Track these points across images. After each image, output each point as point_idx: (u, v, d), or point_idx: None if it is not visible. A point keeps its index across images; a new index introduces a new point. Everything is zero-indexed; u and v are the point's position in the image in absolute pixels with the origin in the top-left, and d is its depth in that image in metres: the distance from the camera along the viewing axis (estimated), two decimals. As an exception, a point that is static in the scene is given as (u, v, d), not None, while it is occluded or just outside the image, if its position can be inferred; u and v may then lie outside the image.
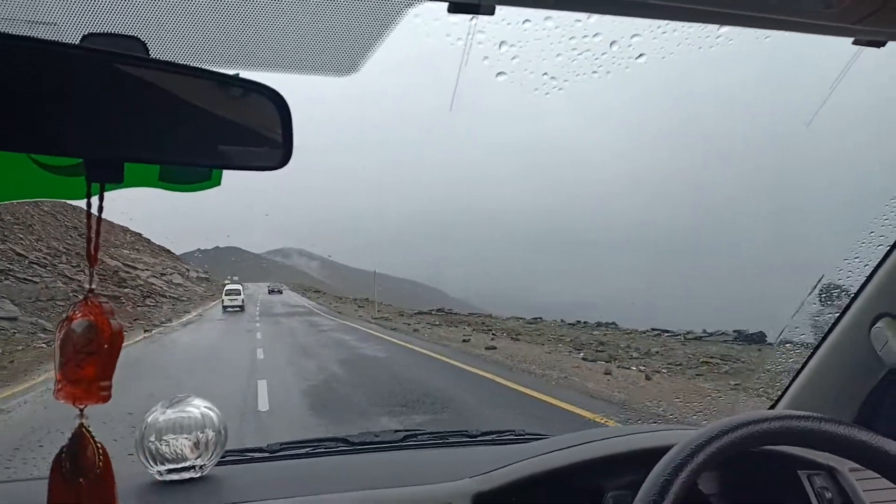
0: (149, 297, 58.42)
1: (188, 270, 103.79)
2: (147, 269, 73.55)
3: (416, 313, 50.95)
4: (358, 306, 66.29)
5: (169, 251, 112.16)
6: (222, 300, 61.78)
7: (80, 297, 0.93)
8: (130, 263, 69.82)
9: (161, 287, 68.37)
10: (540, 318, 41.12)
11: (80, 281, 44.08)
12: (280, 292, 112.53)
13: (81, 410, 0.93)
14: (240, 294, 61.49)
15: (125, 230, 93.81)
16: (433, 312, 51.95)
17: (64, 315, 0.93)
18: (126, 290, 55.05)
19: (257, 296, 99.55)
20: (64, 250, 52.13)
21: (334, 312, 58.95)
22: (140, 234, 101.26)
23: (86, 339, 0.90)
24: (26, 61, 0.81)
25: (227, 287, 65.11)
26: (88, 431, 0.95)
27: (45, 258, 46.83)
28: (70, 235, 57.40)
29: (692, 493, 1.43)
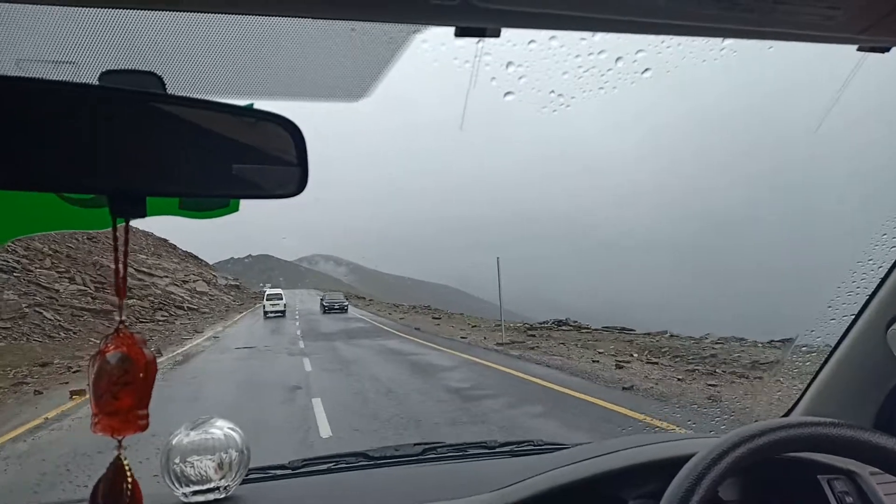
0: (161, 309, 48.81)
1: (216, 277, 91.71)
2: (166, 276, 64.15)
3: (528, 329, 33.06)
4: (433, 318, 48.51)
5: (196, 257, 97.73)
6: (263, 306, 60.46)
7: (112, 329, 0.94)
8: (146, 269, 59.64)
9: (180, 297, 58.88)
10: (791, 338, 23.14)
11: (56, 291, 37.52)
12: (343, 309, 66.76)
13: (120, 442, 0.94)
14: (281, 299, 60.49)
15: (147, 235, 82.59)
16: (555, 326, 33.40)
17: (95, 350, 0.94)
18: (131, 300, 44.25)
19: (294, 306, 73.83)
20: (50, 253, 43.81)
21: (410, 329, 39.27)
22: (166, 241, 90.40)
23: (121, 371, 0.92)
24: (47, 103, 0.84)
25: (268, 293, 63.49)
26: (126, 464, 0.96)
27: (15, 263, 37.87)
28: (75, 238, 49.15)
29: (713, 500, 1.44)
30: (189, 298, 61.15)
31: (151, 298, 50.83)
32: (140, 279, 54.31)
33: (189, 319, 49.06)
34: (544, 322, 35.38)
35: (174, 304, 54.13)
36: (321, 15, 1.00)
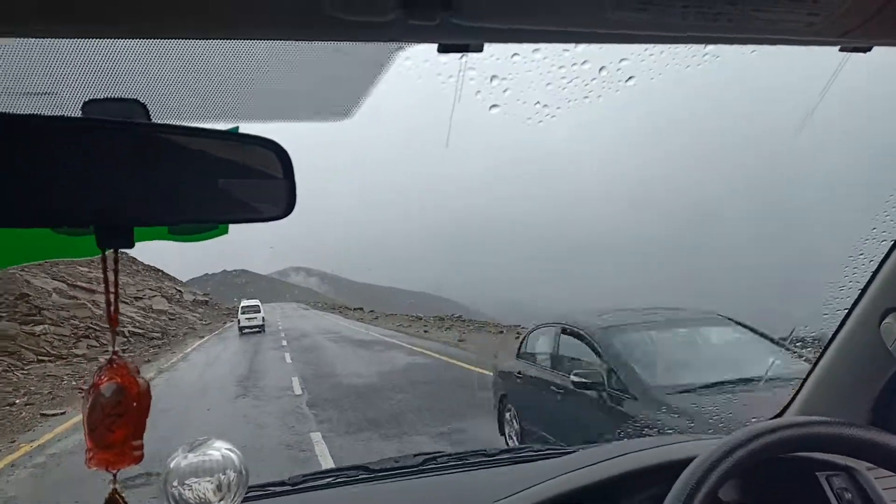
0: (87, 337, 33.80)
1: (180, 293, 76.57)
2: (112, 293, 40.42)
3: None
4: (498, 333, 33.52)
5: (159, 270, 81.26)
6: (238, 320, 50.99)
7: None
8: (83, 284, 42.38)
9: (128, 318, 43.55)
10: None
11: None
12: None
13: (115, 475, 0.93)
14: (259, 311, 51.02)
15: (104, 247, 68.18)
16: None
17: (90, 381, 0.93)
18: (38, 326, 31.06)
19: (275, 322, 58.88)
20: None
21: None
22: (124, 253, 69.91)
23: (114, 402, 0.91)
24: (29, 137, 0.83)
25: (244, 304, 53.53)
26: (122, 497, 0.95)
27: None
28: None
29: (713, 502, 1.45)
30: (141, 320, 47.24)
31: (75, 322, 35.51)
32: (72, 297, 38.90)
33: (125, 351, 28.47)
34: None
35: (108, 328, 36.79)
36: (302, 38, 1.00)
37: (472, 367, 21.16)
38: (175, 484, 1.90)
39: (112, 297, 0.96)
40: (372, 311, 74.50)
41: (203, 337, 46.76)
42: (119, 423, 0.91)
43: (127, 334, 38.68)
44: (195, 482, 1.91)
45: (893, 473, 1.52)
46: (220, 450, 2.00)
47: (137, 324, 43.86)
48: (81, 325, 35.14)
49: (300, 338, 39.47)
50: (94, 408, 0.91)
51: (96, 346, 32.37)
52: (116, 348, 0.95)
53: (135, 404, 0.92)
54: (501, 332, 33.85)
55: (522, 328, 30.55)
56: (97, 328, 35.11)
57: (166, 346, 39.12)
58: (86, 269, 45.81)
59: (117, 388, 0.92)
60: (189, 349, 36.96)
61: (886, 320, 2.00)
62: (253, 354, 30.51)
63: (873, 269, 2.08)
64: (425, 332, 39.79)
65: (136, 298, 53.15)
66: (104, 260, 0.95)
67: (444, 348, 28.94)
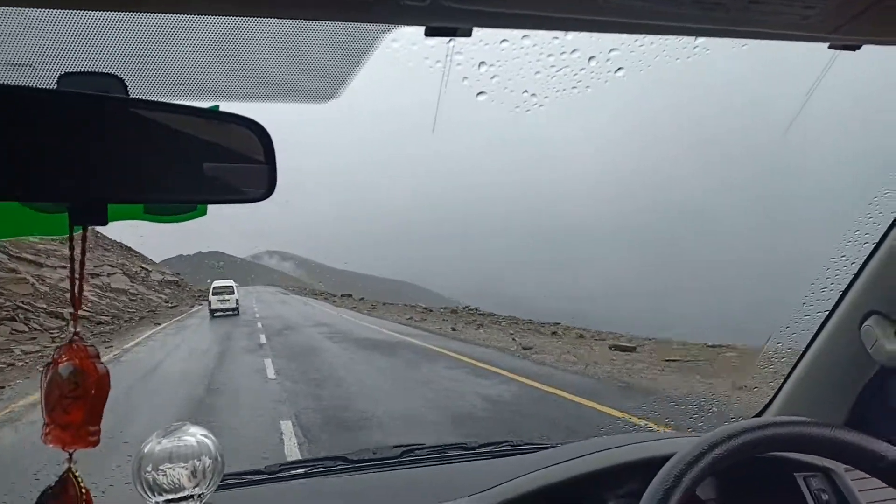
0: (13, 319, 27.61)
1: (147, 272, 67.58)
2: (63, 267, 35.89)
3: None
4: (552, 334, 26.03)
5: (127, 247, 72.87)
6: (209, 302, 45.38)
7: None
8: (30, 256, 36.36)
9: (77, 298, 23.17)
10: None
11: None
12: None
13: (70, 455, 0.93)
14: (232, 293, 45.37)
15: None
16: None
17: (49, 358, 0.93)
18: None
19: (250, 307, 52.83)
20: None
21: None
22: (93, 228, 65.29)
23: (71, 384, 0.90)
24: (2, 108, 0.80)
25: (216, 284, 47.33)
26: (75, 476, 0.95)
27: None
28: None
29: (691, 499, 1.45)
30: (94, 300, 39.92)
31: (0, 301, 29.16)
32: (11, 269, 32.96)
33: (53, 340, 25.98)
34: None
35: (46, 310, 30.81)
36: (286, 15, 0.98)
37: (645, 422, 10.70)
38: (149, 469, 1.88)
39: (77, 277, 0.95)
40: (363, 298, 65.19)
41: (160, 324, 37.66)
42: (76, 405, 0.90)
43: (67, 316, 26.97)
44: (169, 468, 1.88)
45: (870, 475, 1.53)
46: (195, 436, 1.97)
47: (89, 304, 36.74)
48: (8, 304, 29.27)
49: (284, 332, 30.28)
50: (52, 386, 0.90)
51: (24, 332, 26.84)
52: (79, 329, 0.95)
53: (93, 391, 0.91)
54: (555, 332, 26.01)
55: (588, 330, 24.40)
56: (29, 308, 29.91)
57: (108, 335, 30.17)
58: (35, 240, 34.86)
59: (74, 369, 0.91)
60: (133, 343, 27.36)
61: (867, 323, 2.01)
62: (218, 357, 21.35)
63: (855, 271, 2.09)
64: (453, 329, 30.25)
65: (92, 275, 44.03)
66: (71, 238, 0.94)
67: (514, 362, 18.81)
